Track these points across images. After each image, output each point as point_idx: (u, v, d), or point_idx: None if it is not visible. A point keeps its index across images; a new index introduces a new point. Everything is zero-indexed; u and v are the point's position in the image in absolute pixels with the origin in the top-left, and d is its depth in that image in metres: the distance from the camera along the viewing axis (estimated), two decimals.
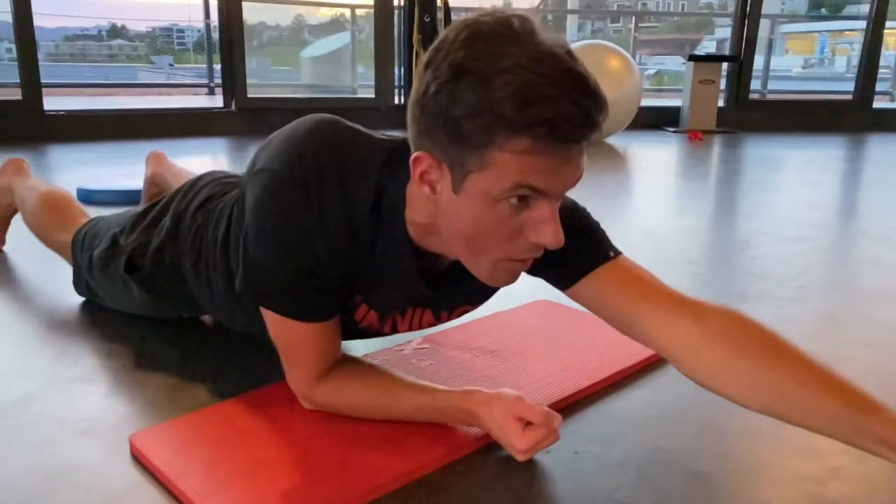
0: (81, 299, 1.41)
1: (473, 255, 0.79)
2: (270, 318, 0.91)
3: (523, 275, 0.87)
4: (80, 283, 1.38)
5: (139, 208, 1.28)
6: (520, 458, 0.86)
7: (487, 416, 0.87)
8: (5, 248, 1.76)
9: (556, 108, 0.66)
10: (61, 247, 1.41)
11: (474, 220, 0.74)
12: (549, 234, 0.74)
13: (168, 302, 1.20)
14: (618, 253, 0.92)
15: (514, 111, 0.66)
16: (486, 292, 0.97)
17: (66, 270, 1.48)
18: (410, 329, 0.99)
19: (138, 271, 1.17)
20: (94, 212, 1.52)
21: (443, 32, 0.73)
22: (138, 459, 0.88)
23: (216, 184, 1.17)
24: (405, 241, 0.85)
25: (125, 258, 1.18)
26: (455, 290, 0.94)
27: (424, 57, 0.73)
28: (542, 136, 0.67)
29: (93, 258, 1.27)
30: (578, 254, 0.90)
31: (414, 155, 0.75)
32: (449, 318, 1.00)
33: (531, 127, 0.67)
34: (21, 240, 1.74)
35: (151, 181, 1.83)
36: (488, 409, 0.87)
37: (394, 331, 0.98)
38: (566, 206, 0.90)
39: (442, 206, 0.76)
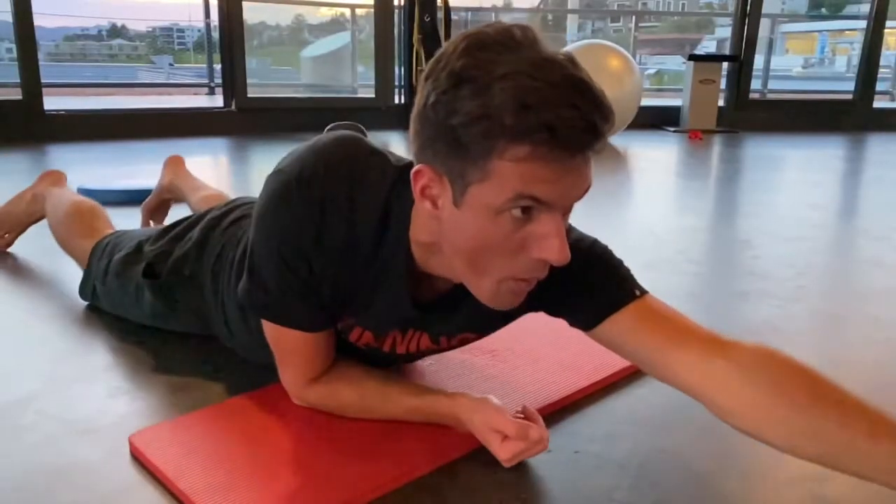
0: (84, 302, 1.41)
1: (476, 274, 0.76)
2: (266, 322, 0.91)
3: None
4: (86, 288, 1.37)
5: (167, 222, 1.28)
6: (505, 465, 0.86)
7: (470, 425, 0.88)
8: (10, 248, 1.76)
9: (557, 112, 0.64)
10: (81, 252, 1.40)
11: (476, 235, 0.71)
12: (555, 250, 0.70)
13: (176, 314, 1.19)
14: (643, 291, 0.87)
15: (513, 117, 0.64)
16: (489, 320, 0.92)
17: (70, 272, 1.49)
18: (408, 351, 0.95)
19: (156, 278, 1.17)
20: None
21: (444, 45, 0.72)
22: (138, 459, 0.88)
23: (250, 206, 1.16)
24: (402, 260, 0.83)
25: (145, 264, 1.18)
26: (452, 314, 0.90)
27: (425, 69, 0.71)
28: (542, 142, 0.65)
29: (111, 263, 1.27)
30: (601, 293, 0.86)
31: (414, 169, 0.73)
32: (450, 344, 0.96)
33: (531, 133, 0.64)
34: (26, 241, 1.75)
35: (166, 189, 1.79)
36: (470, 417, 0.88)
37: (392, 351, 0.95)
38: (585, 242, 0.88)
39: (444, 221, 0.74)
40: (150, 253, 1.20)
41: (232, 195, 2.24)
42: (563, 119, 0.64)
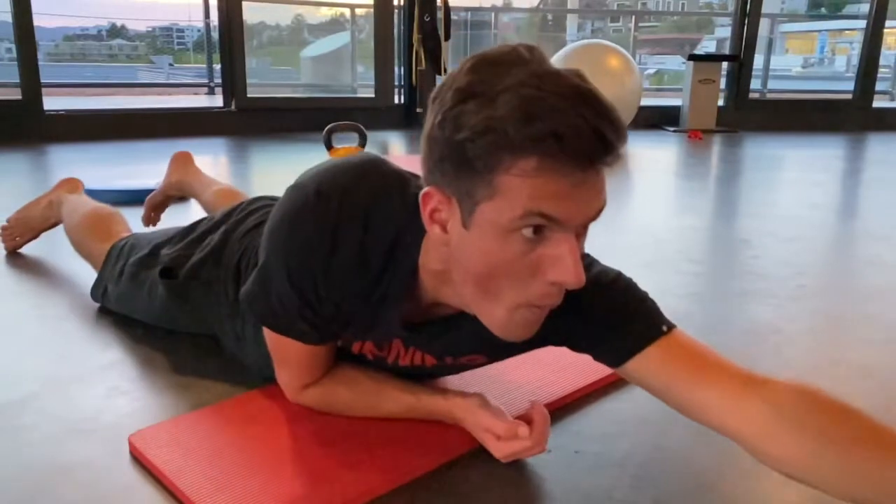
0: (84, 301, 1.41)
1: (486, 300, 0.72)
2: (266, 329, 0.90)
3: None
4: (98, 289, 1.37)
5: (186, 224, 1.27)
6: (503, 461, 0.86)
7: (465, 424, 0.89)
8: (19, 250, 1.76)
9: (563, 121, 0.62)
10: (97, 254, 1.38)
11: (485, 257, 0.68)
12: (569, 271, 0.67)
13: (187, 316, 1.18)
14: (671, 326, 0.83)
15: (517, 127, 0.62)
16: (501, 346, 0.84)
17: (74, 273, 1.49)
18: (413, 364, 0.92)
19: (173, 280, 1.16)
20: None
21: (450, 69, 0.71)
22: (137, 459, 0.88)
23: (268, 211, 1.12)
24: (403, 288, 0.81)
25: (161, 266, 1.17)
26: (453, 334, 0.87)
27: (433, 92, 0.70)
28: (549, 153, 0.62)
29: (126, 265, 1.26)
30: (626, 330, 0.82)
31: (423, 191, 0.71)
32: (456, 362, 0.93)
33: (536, 143, 0.62)
34: (34, 242, 1.75)
35: (174, 185, 1.78)
36: (464, 416, 0.89)
37: (396, 363, 0.94)
38: (607, 276, 0.85)
39: (453, 246, 0.71)
40: (166, 257, 1.19)
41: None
42: (570, 127, 0.62)
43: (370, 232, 0.79)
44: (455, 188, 0.68)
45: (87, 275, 1.41)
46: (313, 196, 0.80)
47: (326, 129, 2.87)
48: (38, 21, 3.87)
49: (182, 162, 1.82)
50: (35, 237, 1.74)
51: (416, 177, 0.82)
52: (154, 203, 1.80)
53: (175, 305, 1.18)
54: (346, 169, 0.82)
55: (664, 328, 0.82)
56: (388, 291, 0.82)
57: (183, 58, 18.81)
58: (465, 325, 0.83)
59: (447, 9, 4.56)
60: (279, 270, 0.82)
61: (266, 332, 0.91)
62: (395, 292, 0.81)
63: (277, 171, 3.22)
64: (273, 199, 1.21)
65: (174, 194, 1.81)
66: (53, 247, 1.73)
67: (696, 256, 1.97)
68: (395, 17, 4.76)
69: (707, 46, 12.16)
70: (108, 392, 1.07)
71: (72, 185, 1.73)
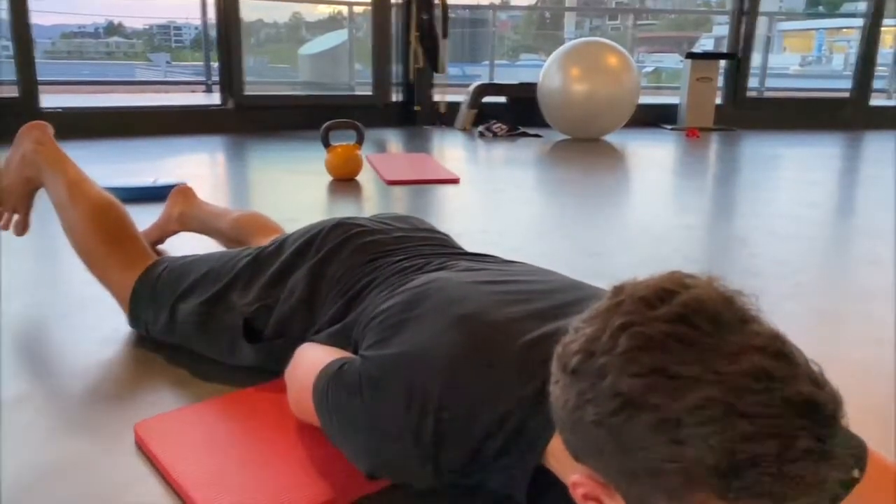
0: (80, 294, 1.41)
1: None
2: (311, 402, 0.83)
3: None
4: (137, 325, 1.24)
5: (241, 253, 1.16)
6: None
7: None
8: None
9: (781, 470, 0.47)
10: (117, 283, 1.23)
11: None
12: None
13: (279, 365, 1.03)
14: (864, 462, 0.68)
15: (719, 478, 0.48)
16: None
17: (73, 265, 1.46)
18: None
19: (257, 337, 1.05)
20: None
21: (591, 319, 0.55)
22: (140, 447, 0.89)
23: (356, 247, 1.05)
24: (525, 479, 0.71)
25: (243, 321, 1.06)
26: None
27: (569, 360, 0.55)
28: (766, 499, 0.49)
29: (178, 313, 1.14)
30: None
31: (572, 480, 0.58)
32: None
33: (748, 496, 0.49)
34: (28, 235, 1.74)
35: (175, 219, 1.64)
36: None
37: None
38: None
39: None
40: (244, 307, 1.07)
41: (229, 197, 2.22)
42: (793, 480, 0.48)
43: (481, 427, 0.70)
44: (619, 486, 0.55)
45: (84, 269, 1.39)
46: (403, 409, 0.71)
47: (324, 126, 2.87)
48: (35, 18, 3.87)
49: (183, 195, 1.67)
50: (31, 205, 1.43)
51: (547, 340, 0.67)
52: (150, 241, 1.59)
53: (265, 359, 1.07)
54: (445, 363, 0.72)
55: (856, 474, 0.67)
56: (500, 480, 0.73)
57: (180, 55, 18.82)
58: None
59: (445, 7, 4.56)
60: (364, 466, 0.76)
61: (309, 401, 0.84)
62: (518, 478, 0.71)
63: (275, 169, 3.22)
64: (358, 225, 1.10)
65: (174, 230, 1.66)
66: (50, 241, 1.72)
67: (693, 255, 1.97)
68: (393, 15, 4.75)
69: (705, 45, 12.18)
70: (109, 388, 1.07)
71: (38, 134, 1.37)
